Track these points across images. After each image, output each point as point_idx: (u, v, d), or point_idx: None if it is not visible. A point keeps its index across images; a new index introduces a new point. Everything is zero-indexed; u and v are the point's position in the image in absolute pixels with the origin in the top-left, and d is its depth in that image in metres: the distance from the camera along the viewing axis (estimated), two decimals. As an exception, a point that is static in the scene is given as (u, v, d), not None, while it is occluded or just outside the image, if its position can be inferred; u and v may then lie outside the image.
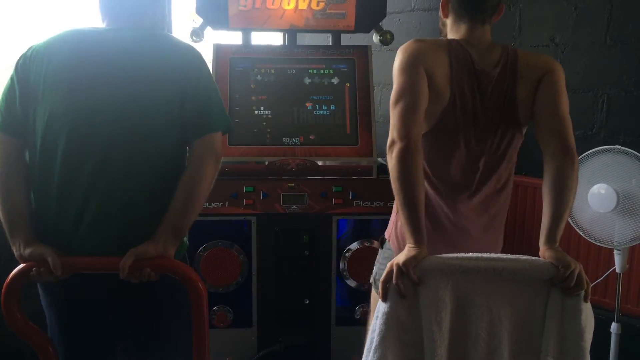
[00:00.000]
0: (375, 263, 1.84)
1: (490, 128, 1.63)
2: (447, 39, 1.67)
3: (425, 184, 1.61)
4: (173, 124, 1.56)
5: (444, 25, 1.75)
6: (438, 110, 1.60)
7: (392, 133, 1.52)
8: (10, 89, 1.57)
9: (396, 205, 1.72)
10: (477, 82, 1.61)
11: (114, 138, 1.52)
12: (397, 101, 1.54)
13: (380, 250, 1.83)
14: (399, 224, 1.70)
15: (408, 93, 1.54)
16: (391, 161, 1.50)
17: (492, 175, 1.65)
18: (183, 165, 1.60)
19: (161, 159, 1.57)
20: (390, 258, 1.70)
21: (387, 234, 1.80)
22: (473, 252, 1.45)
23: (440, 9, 1.72)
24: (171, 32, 3.08)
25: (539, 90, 1.59)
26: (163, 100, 1.55)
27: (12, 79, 1.57)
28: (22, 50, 1.60)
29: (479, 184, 1.65)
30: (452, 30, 1.70)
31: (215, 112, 1.61)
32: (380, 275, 1.72)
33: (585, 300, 1.40)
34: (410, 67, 1.57)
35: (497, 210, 1.69)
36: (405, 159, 1.47)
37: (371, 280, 1.83)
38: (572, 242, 2.59)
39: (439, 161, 1.64)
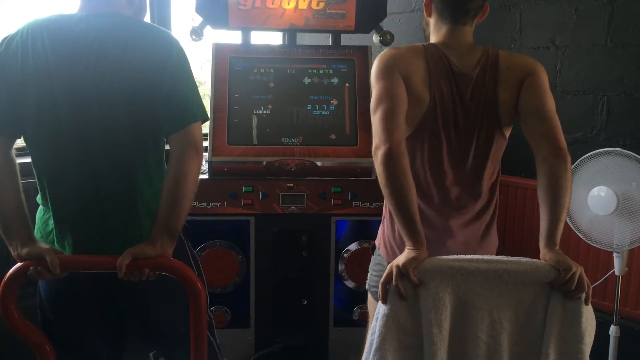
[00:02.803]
0: (369, 270, 1.84)
1: (471, 130, 1.62)
2: (424, 44, 1.67)
3: None
4: (152, 114, 1.52)
5: (427, 24, 1.75)
6: (418, 115, 1.60)
7: (375, 139, 1.52)
8: None
9: (385, 212, 1.72)
10: (456, 84, 1.61)
11: (95, 128, 1.50)
12: (376, 107, 1.55)
13: (372, 257, 1.83)
14: (387, 232, 1.69)
15: (386, 99, 1.54)
16: (377, 167, 1.50)
17: (476, 179, 1.65)
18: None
19: (144, 149, 1.56)
20: (381, 264, 1.70)
21: (377, 242, 1.79)
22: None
23: (424, 7, 1.72)
24: (169, 22, 3.09)
25: (522, 93, 1.59)
26: (140, 90, 1.50)
27: None
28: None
29: (463, 187, 1.65)
30: (434, 30, 1.70)
31: (191, 102, 1.54)
32: (374, 282, 1.73)
33: (586, 303, 1.39)
34: (387, 73, 1.57)
35: (484, 214, 1.68)
36: (389, 162, 1.46)
37: (366, 286, 1.83)
38: (571, 244, 2.58)
39: (421, 166, 1.64)
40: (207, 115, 1.59)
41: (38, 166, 1.57)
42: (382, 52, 1.63)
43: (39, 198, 1.62)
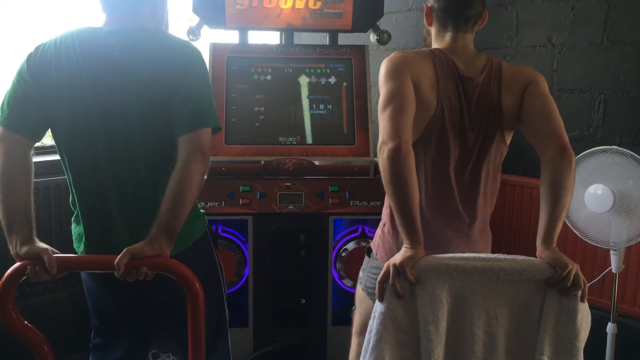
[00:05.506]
0: (362, 270, 1.84)
1: (476, 134, 1.64)
2: (430, 49, 1.68)
3: None
4: (169, 118, 1.57)
5: (428, 33, 1.77)
6: (426, 119, 1.60)
7: (382, 135, 1.51)
8: (18, 87, 1.58)
9: (387, 218, 1.72)
10: (463, 89, 1.62)
11: (121, 136, 1.57)
12: (385, 106, 1.54)
13: (366, 259, 1.83)
14: (389, 240, 1.70)
15: (396, 97, 1.54)
16: (382, 163, 1.49)
17: (479, 183, 1.66)
18: None
19: (165, 155, 1.60)
20: (378, 268, 1.70)
21: (373, 246, 1.79)
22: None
23: (424, 17, 1.74)
24: (166, 22, 3.09)
25: (525, 99, 1.62)
26: (162, 98, 1.56)
27: (20, 77, 1.58)
28: (19, 50, 1.62)
29: (466, 191, 1.66)
30: (436, 39, 1.72)
31: (205, 108, 1.59)
32: (370, 283, 1.73)
33: (582, 301, 1.40)
34: (397, 73, 1.58)
35: (482, 218, 1.70)
36: (396, 159, 1.45)
37: (361, 287, 1.84)
38: (568, 242, 2.59)
39: (423, 172, 1.64)
40: (219, 125, 1.64)
41: (69, 169, 1.64)
42: (390, 55, 1.63)
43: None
